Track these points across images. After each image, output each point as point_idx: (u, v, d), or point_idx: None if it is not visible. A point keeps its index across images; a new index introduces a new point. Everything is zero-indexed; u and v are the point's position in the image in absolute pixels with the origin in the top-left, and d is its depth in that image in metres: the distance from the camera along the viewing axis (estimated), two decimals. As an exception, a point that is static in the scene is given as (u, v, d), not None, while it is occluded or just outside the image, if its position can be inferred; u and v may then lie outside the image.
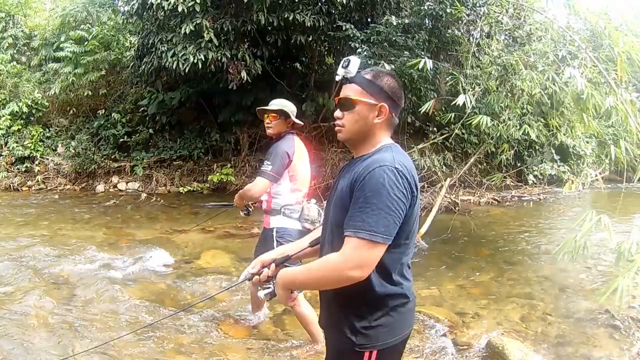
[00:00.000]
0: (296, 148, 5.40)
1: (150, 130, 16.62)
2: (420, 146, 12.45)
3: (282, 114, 5.40)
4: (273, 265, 2.90)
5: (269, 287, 2.89)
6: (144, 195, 14.61)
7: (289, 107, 5.46)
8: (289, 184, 5.39)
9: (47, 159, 16.05)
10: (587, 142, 17.19)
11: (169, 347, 5.48)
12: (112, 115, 16.58)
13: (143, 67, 14.18)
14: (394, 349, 2.73)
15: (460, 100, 8.89)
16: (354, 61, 2.64)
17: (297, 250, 3.08)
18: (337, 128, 2.72)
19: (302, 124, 5.63)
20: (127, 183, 15.80)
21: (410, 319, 2.81)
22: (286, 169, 5.31)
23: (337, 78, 2.69)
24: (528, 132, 9.64)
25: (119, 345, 5.35)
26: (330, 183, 13.06)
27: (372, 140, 2.69)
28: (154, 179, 15.73)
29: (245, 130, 15.91)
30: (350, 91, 2.64)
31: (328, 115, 14.54)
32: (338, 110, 2.69)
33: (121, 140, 16.40)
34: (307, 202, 5.44)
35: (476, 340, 5.81)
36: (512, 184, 16.66)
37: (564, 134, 11.16)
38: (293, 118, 5.44)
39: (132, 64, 16.28)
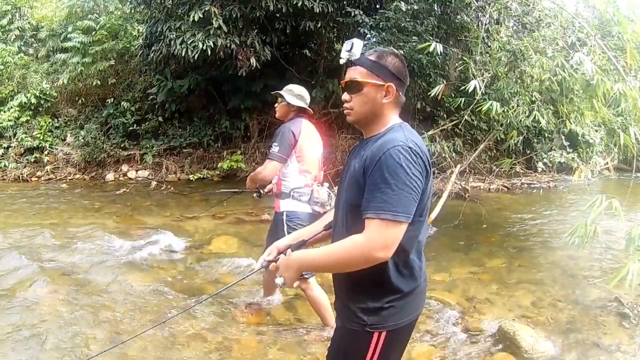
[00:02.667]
0: (303, 129, 5.42)
1: (160, 118, 16.64)
2: (430, 132, 12.44)
3: (282, 98, 5.48)
4: (289, 251, 2.85)
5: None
6: (153, 183, 14.61)
7: (295, 90, 5.53)
8: (296, 165, 5.38)
9: (57, 149, 16.02)
10: (596, 130, 16.94)
11: (181, 334, 5.49)
12: (121, 104, 16.55)
13: (152, 55, 14.14)
14: (403, 330, 2.76)
15: (471, 85, 8.85)
16: (357, 43, 2.66)
17: (312, 234, 3.08)
18: (345, 111, 2.74)
19: (307, 108, 5.62)
20: (137, 171, 15.80)
21: (421, 300, 2.86)
22: (293, 150, 5.31)
23: (342, 61, 2.71)
24: (538, 119, 9.56)
25: (129, 332, 5.35)
26: (341, 169, 13.15)
27: (381, 120, 2.71)
28: (164, 166, 15.70)
29: (255, 117, 15.90)
30: (356, 73, 2.67)
31: (337, 101, 14.33)
32: (345, 93, 2.70)
33: (130, 128, 16.38)
34: (317, 184, 5.43)
35: (487, 326, 5.81)
36: (521, 171, 16.61)
37: (573, 122, 11.11)
38: (290, 100, 5.47)
39: (140, 52, 16.26)
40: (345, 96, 2.71)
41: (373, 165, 2.46)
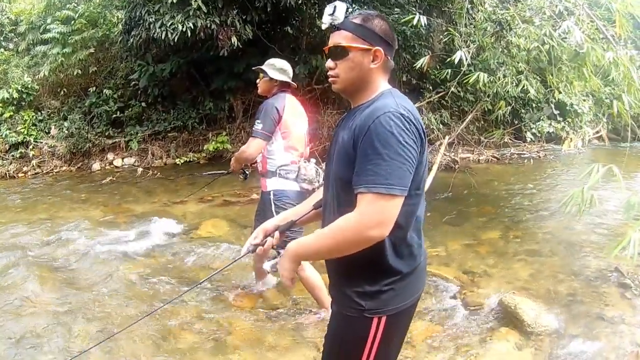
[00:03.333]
0: (287, 104, 5.24)
1: (143, 104, 16.31)
2: (416, 105, 11.87)
3: (264, 73, 5.31)
4: (277, 233, 2.73)
5: (274, 258, 2.74)
6: (140, 169, 14.36)
7: (277, 64, 5.36)
8: (281, 142, 5.20)
9: (41, 143, 15.62)
10: (584, 100, 17.14)
11: (173, 323, 5.35)
12: (104, 91, 16.18)
13: (131, 40, 13.76)
14: (404, 313, 2.58)
15: (457, 56, 8.56)
16: (340, 6, 2.44)
17: (301, 214, 2.89)
18: (331, 79, 2.53)
19: (290, 82, 5.43)
20: (122, 159, 15.50)
21: (422, 280, 2.69)
22: (277, 126, 5.14)
23: (324, 26, 2.49)
24: (527, 88, 9.41)
25: (122, 325, 5.15)
26: (327, 145, 12.94)
27: (370, 87, 2.50)
28: (150, 152, 15.43)
29: (239, 96, 15.62)
30: (340, 38, 2.45)
31: (322, 77, 14.35)
32: (329, 60, 2.49)
33: (114, 116, 16.05)
34: (304, 161, 5.28)
35: (487, 300, 5.68)
36: (510, 141, 16.44)
37: (562, 91, 10.98)
38: (272, 75, 5.29)
39: (120, 38, 15.85)
40: (329, 63, 2.49)
41: (363, 135, 2.26)
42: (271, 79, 5.31)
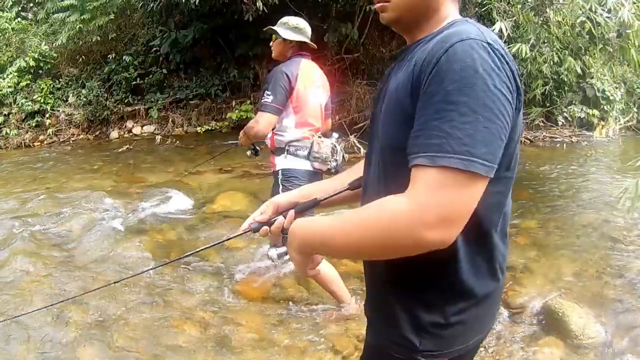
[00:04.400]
0: (302, 71, 4.49)
1: (164, 71, 15.73)
2: None
3: (275, 33, 4.61)
4: (291, 212, 1.93)
5: (282, 248, 1.98)
6: (158, 137, 13.75)
7: (291, 23, 4.61)
8: (293, 117, 4.51)
9: (58, 111, 15.26)
10: (617, 87, 16.21)
11: (174, 314, 4.68)
12: (124, 58, 15.64)
13: (152, 5, 13.40)
14: (468, 354, 1.80)
15: (496, 27, 7.83)
16: None
17: (330, 192, 2.04)
18: (378, 5, 1.67)
19: (308, 42, 4.68)
20: (142, 127, 15.01)
21: (497, 307, 1.84)
22: (289, 98, 4.42)
23: None
24: (571, 66, 8.65)
25: (117, 313, 4.60)
26: (356, 117, 12.31)
27: (435, 14, 1.65)
28: (170, 120, 14.92)
29: (265, 64, 14.71)
30: None
31: (351, 46, 13.75)
32: None
33: (134, 83, 15.53)
34: (318, 136, 4.55)
35: (531, 303, 4.93)
36: (541, 124, 15.67)
37: (595, 76, 10.32)
38: (286, 35, 4.56)
39: (141, 4, 15.30)
40: None
41: (427, 75, 1.40)
42: (284, 39, 4.59)
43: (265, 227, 1.94)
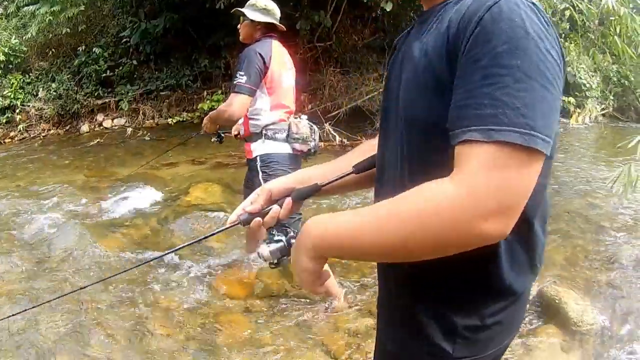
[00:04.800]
0: (274, 53, 4.24)
1: (135, 62, 15.30)
2: None
3: (242, 15, 4.35)
4: (288, 200, 1.64)
5: (278, 240, 1.64)
6: (129, 130, 13.43)
7: (259, 4, 4.35)
8: (267, 100, 4.25)
9: (29, 106, 14.77)
10: (593, 75, 16.27)
11: (152, 315, 4.34)
12: (94, 50, 15.23)
13: (123, -5, 12.91)
14: (499, 357, 1.56)
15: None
16: None
17: (330, 176, 1.73)
18: None
19: (276, 23, 4.42)
20: (112, 120, 14.56)
21: (526, 303, 1.60)
22: (263, 79, 4.14)
23: None
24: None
25: (91, 318, 4.26)
26: (329, 106, 11.91)
27: None
28: (141, 112, 14.47)
29: (236, 53, 13.92)
30: None
31: (324, 34, 13.45)
32: None
33: (104, 75, 15.10)
34: (295, 117, 4.34)
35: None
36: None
37: (571, 64, 10.16)
38: (253, 17, 4.30)
39: (111, -6, 14.93)
40: None
41: (469, 35, 1.16)
42: (252, 21, 4.32)
43: (258, 219, 1.64)
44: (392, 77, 1.53)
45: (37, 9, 14.48)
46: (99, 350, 3.87)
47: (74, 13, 14.58)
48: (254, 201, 1.69)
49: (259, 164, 4.25)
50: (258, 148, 4.28)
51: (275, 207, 1.63)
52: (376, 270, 1.66)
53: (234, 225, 1.68)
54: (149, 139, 12.57)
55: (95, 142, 12.46)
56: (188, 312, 4.39)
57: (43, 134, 14.20)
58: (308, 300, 4.47)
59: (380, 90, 11.29)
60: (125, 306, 4.43)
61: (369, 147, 1.78)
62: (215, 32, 14.37)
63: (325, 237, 1.31)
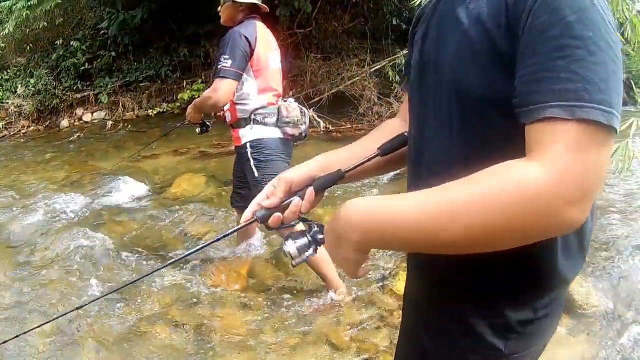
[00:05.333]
0: (259, 34, 4.00)
1: (113, 54, 15.01)
2: (405, 51, 10.63)
3: None
4: (310, 190, 1.45)
5: (301, 236, 1.41)
6: (109, 123, 13.16)
7: None
8: (255, 83, 4.00)
9: (7, 103, 14.52)
10: None
11: (144, 316, 4.10)
12: (71, 44, 14.90)
13: (99, -15, 12.59)
14: (542, 350, 1.47)
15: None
16: None
17: (355, 161, 1.55)
18: None
19: (258, 4, 4.17)
20: (92, 113, 14.24)
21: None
22: (249, 62, 3.90)
23: None
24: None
25: (82, 323, 4.00)
26: (310, 92, 11.65)
27: None
28: (121, 104, 14.16)
29: (215, 42, 13.88)
30: None
31: (304, 21, 13.19)
32: None
33: (82, 68, 14.79)
34: (284, 100, 4.11)
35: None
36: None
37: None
38: None
39: (89, -15, 14.60)
40: None
41: (533, 2, 1.08)
42: (234, 2, 4.07)
43: (277, 215, 1.44)
44: (426, 41, 1.38)
45: (14, 4, 14.22)
46: (90, 354, 3.66)
47: (51, 6, 14.23)
48: (270, 194, 1.49)
49: (249, 150, 4.02)
50: (247, 134, 4.04)
51: (296, 200, 1.44)
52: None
53: (249, 224, 1.50)
54: (132, 130, 12.35)
55: (76, 136, 12.22)
56: (181, 309, 4.16)
57: (23, 131, 13.92)
58: (306, 293, 4.27)
59: (363, 75, 11.13)
60: (114, 308, 4.19)
61: (389, 128, 1.67)
62: (194, 21, 14.14)
63: (375, 228, 1.14)
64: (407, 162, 1.53)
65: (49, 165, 9.65)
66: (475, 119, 1.22)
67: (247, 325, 3.92)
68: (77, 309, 2.02)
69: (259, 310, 4.09)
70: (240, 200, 4.52)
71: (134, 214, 6.43)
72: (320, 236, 1.40)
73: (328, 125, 9.63)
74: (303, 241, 1.39)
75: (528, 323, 1.31)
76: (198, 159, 8.94)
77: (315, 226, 1.40)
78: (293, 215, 1.46)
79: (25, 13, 14.02)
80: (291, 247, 1.38)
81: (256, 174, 4.00)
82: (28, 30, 15.41)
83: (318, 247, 1.41)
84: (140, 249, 5.33)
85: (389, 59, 10.82)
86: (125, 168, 8.47)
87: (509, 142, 1.11)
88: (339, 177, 1.51)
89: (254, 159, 3.99)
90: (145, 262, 5.02)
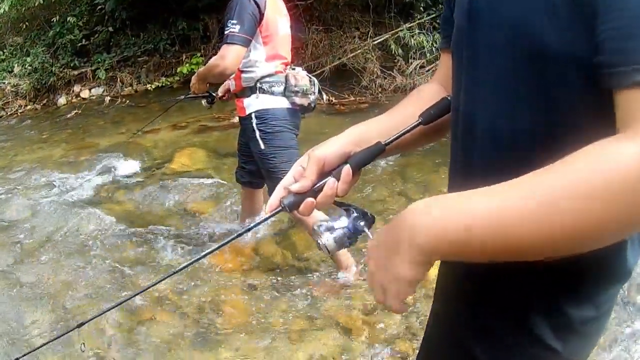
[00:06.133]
0: None
1: (110, 29, 14.73)
2: (408, 25, 11.20)
3: None
4: (346, 168, 1.18)
5: (338, 227, 1.18)
6: (107, 99, 12.96)
7: None
8: (263, 50, 3.75)
9: (4, 83, 14.34)
10: None
11: (142, 302, 3.87)
12: (68, 20, 14.53)
13: (95, -43, 12.45)
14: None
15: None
16: None
17: (394, 131, 1.29)
18: None
19: None
20: (90, 90, 14.01)
21: None
22: (258, 27, 3.64)
23: None
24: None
25: (77, 312, 3.82)
26: (313, 65, 11.44)
27: None
28: (119, 80, 13.93)
29: (214, 15, 13.85)
30: None
31: None
32: None
33: (79, 45, 14.56)
34: (292, 68, 3.85)
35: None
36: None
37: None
38: None
39: (84, -41, 14.39)
40: None
41: None
42: None
43: (310, 200, 1.19)
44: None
45: None
46: (90, 344, 3.44)
47: (47, -17, 14.11)
48: (298, 176, 1.24)
49: (254, 121, 3.77)
50: (253, 103, 3.78)
51: (330, 181, 1.18)
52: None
53: (276, 213, 1.25)
54: (130, 105, 12.19)
55: (73, 113, 12.04)
56: (179, 293, 3.94)
57: (20, 111, 13.72)
58: (314, 273, 4.06)
59: (365, 48, 11.03)
60: (109, 294, 4.00)
61: (426, 94, 1.41)
62: (192, -7, 13.93)
63: (447, 235, 0.92)
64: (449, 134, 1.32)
65: (46, 143, 9.49)
66: (553, 83, 1.00)
67: (251, 308, 3.72)
68: (81, 323, 1.76)
69: (264, 293, 3.89)
70: (246, 175, 4.32)
71: (132, 191, 6.24)
72: (362, 222, 1.16)
73: (331, 98, 9.48)
74: (343, 230, 1.13)
75: (590, 321, 1.16)
76: (198, 133, 8.75)
77: (354, 211, 1.13)
78: (328, 199, 1.20)
79: (20, -10, 13.73)
80: (327, 238, 1.12)
81: (262, 146, 3.77)
82: (23, 8, 15.14)
83: (359, 237, 1.17)
84: (139, 227, 5.11)
85: (391, 32, 10.70)
86: (123, 144, 8.31)
87: (602, 113, 0.89)
88: (378, 151, 1.25)
89: (259, 130, 3.76)
90: (144, 241, 4.81)
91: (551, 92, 1.00)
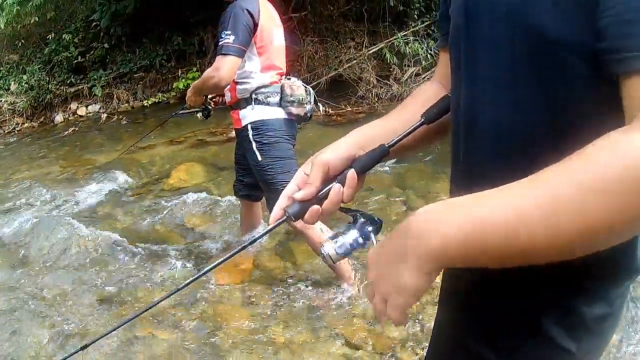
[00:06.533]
0: (262, 8, 3.72)
1: (106, 45, 14.76)
2: (402, 33, 11.32)
3: None
4: (351, 173, 1.16)
5: (346, 230, 1.14)
6: (104, 116, 12.97)
7: None
8: (258, 61, 3.73)
9: (1, 101, 14.31)
10: None
11: (143, 315, 3.68)
12: (63, 37, 14.64)
13: (89, -25, 12.44)
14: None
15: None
16: None
17: (398, 133, 1.27)
18: None
19: None
20: (86, 107, 14.00)
21: None
22: (252, 38, 3.63)
23: None
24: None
25: (75, 328, 3.77)
26: (309, 77, 11.43)
27: None
28: (115, 96, 13.94)
29: (210, 29, 13.95)
30: None
31: (298, 6, 12.95)
32: None
33: (75, 62, 14.57)
34: (287, 78, 3.83)
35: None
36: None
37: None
38: None
39: (78, -23, 14.44)
40: None
41: None
42: None
43: (315, 207, 1.17)
44: None
45: (4, 1, 14.08)
46: (88, 357, 3.37)
47: (41, 1, 14.12)
48: (301, 183, 1.22)
49: (250, 133, 3.73)
50: (248, 115, 3.75)
51: (336, 187, 1.16)
52: None
53: (281, 223, 1.22)
54: (127, 121, 12.18)
55: (70, 130, 12.04)
56: (180, 308, 3.90)
57: (17, 128, 13.73)
58: (315, 285, 4.00)
59: (360, 58, 11.07)
60: (106, 309, 3.98)
61: (426, 93, 1.41)
62: (187, 8, 13.92)
63: (459, 241, 0.88)
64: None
65: (43, 160, 9.46)
66: (552, 72, 0.96)
67: (253, 322, 3.67)
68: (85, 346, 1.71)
69: (265, 306, 3.85)
70: (244, 188, 4.29)
71: (131, 207, 6.19)
72: (369, 228, 1.12)
73: (328, 109, 9.47)
74: (349, 238, 1.09)
75: (604, 318, 1.12)
76: (195, 147, 8.71)
77: (361, 217, 1.09)
78: (334, 206, 1.17)
79: (15, 9, 13.89)
80: (329, 249, 1.08)
81: (259, 158, 3.72)
82: (19, 26, 15.23)
83: (366, 243, 1.12)
84: (139, 243, 5.08)
85: (386, 40, 10.71)
86: (120, 161, 8.26)
87: (608, 102, 0.86)
88: (382, 154, 1.22)
89: (255, 141, 3.72)
90: (143, 257, 4.77)
91: (552, 86, 0.98)
